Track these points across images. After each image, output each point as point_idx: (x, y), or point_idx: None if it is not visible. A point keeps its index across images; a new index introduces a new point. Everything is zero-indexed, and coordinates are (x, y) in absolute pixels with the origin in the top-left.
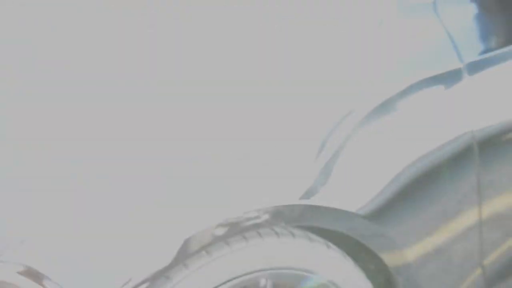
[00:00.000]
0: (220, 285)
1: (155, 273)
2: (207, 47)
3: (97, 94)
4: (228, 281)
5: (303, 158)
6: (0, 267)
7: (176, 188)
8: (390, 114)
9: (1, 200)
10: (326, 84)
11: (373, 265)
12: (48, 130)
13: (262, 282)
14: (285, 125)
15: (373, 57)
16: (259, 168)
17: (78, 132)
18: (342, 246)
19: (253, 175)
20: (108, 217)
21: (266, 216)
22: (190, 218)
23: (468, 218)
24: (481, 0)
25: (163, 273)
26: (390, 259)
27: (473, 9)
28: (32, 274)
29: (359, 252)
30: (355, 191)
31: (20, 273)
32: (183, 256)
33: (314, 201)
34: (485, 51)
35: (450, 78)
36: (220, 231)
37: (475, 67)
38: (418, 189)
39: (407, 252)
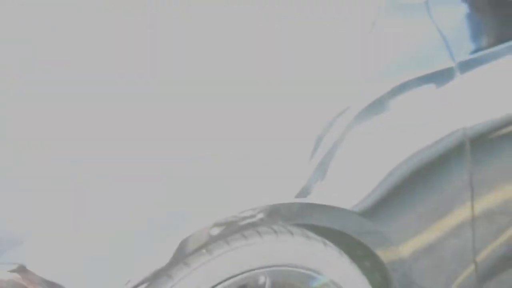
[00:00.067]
0: (220, 283)
1: (156, 272)
2: (204, 47)
3: (97, 94)
4: (228, 279)
5: (298, 157)
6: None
7: (175, 188)
8: (384, 113)
9: (1, 200)
10: (320, 83)
11: (368, 262)
12: (48, 130)
13: (261, 279)
14: (280, 124)
15: (367, 56)
16: (256, 167)
17: (78, 132)
18: (337, 243)
19: (250, 174)
20: (108, 217)
21: (263, 215)
22: (189, 217)
23: (461, 214)
24: (473, 0)
25: (165, 272)
26: (385, 255)
27: (464, 9)
28: (30, 274)
29: (354, 249)
30: (350, 188)
31: (18, 272)
32: (182, 255)
33: (310, 199)
34: (476, 50)
35: (442, 76)
36: (219, 230)
37: (466, 66)
38: (412, 186)
39: (401, 248)
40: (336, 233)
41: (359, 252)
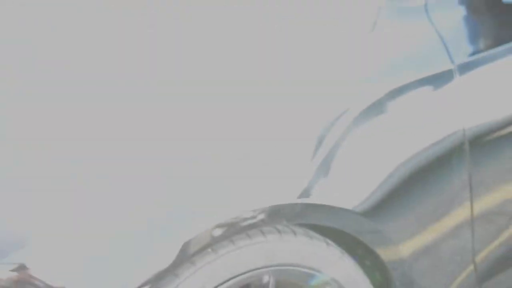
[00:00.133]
0: (225, 281)
1: (160, 273)
2: (205, 47)
3: (97, 94)
4: (233, 277)
5: (300, 157)
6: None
7: (176, 188)
8: (384, 114)
9: (1, 200)
10: (322, 84)
11: (369, 261)
12: (48, 130)
13: (265, 278)
14: (282, 125)
15: (368, 58)
16: (259, 168)
17: (78, 132)
18: (339, 243)
19: (253, 175)
20: (108, 217)
21: (266, 215)
22: (193, 218)
23: (460, 215)
24: (471, 3)
25: (171, 271)
26: (385, 254)
27: (463, 12)
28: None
29: (355, 248)
30: (352, 189)
31: (18, 271)
32: (187, 256)
33: (312, 199)
34: (475, 52)
35: (442, 78)
36: (224, 230)
37: (465, 68)
38: (412, 186)
39: (401, 248)
40: (337, 232)
41: (359, 251)
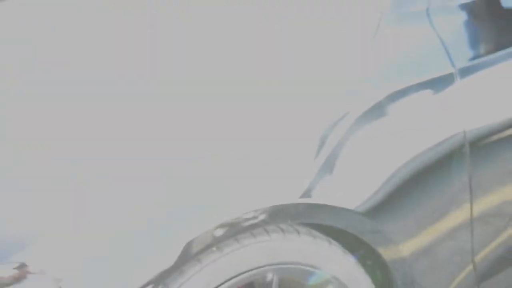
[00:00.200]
0: (230, 279)
1: (165, 271)
2: (206, 47)
3: (97, 94)
4: (237, 275)
5: (303, 158)
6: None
7: (178, 188)
8: (386, 116)
9: (1, 200)
10: (326, 85)
11: (370, 261)
12: (48, 130)
13: (269, 276)
14: (286, 125)
15: (371, 61)
16: (262, 168)
17: (78, 132)
18: (341, 242)
19: (257, 175)
20: (108, 217)
21: (269, 215)
22: (197, 218)
23: (460, 216)
24: (472, 8)
25: (176, 270)
26: (386, 254)
27: (464, 17)
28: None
29: (357, 248)
30: (354, 189)
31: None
32: (191, 254)
33: (315, 199)
34: (476, 57)
35: (443, 82)
36: (227, 230)
37: (466, 72)
38: (413, 188)
39: (402, 247)
40: (339, 232)
41: (361, 251)
